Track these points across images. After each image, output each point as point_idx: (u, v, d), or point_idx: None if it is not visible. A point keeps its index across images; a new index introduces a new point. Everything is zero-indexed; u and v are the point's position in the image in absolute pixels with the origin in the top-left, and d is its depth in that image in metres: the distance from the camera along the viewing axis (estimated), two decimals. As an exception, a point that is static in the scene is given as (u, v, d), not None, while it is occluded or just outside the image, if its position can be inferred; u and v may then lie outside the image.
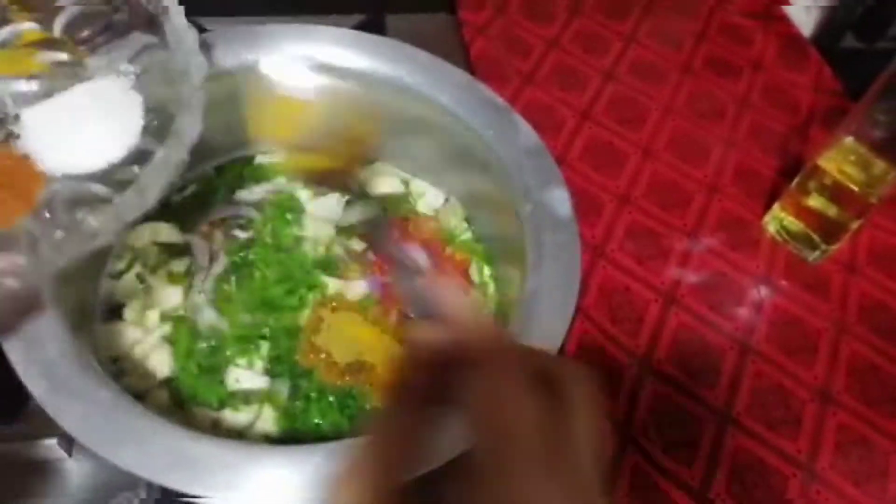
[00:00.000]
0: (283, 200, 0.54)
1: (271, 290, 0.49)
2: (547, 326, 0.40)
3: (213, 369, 0.45)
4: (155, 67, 0.39)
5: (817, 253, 0.60)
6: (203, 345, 0.46)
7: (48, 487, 0.44)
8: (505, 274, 0.52)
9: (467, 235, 0.55)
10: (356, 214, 0.54)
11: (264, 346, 0.47)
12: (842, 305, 0.59)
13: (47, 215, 0.35)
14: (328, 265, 0.51)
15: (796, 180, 0.60)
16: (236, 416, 0.44)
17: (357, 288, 0.50)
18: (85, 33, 0.39)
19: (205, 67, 0.37)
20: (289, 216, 0.53)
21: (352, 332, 0.48)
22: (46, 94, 0.38)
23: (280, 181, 0.55)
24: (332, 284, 0.50)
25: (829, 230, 0.59)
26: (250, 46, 0.50)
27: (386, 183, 0.57)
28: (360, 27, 0.66)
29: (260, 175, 0.56)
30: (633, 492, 0.48)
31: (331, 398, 0.45)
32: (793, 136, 0.70)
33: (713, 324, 0.57)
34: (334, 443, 0.35)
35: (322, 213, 0.54)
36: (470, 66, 0.70)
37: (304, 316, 0.48)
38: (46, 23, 0.39)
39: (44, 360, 0.36)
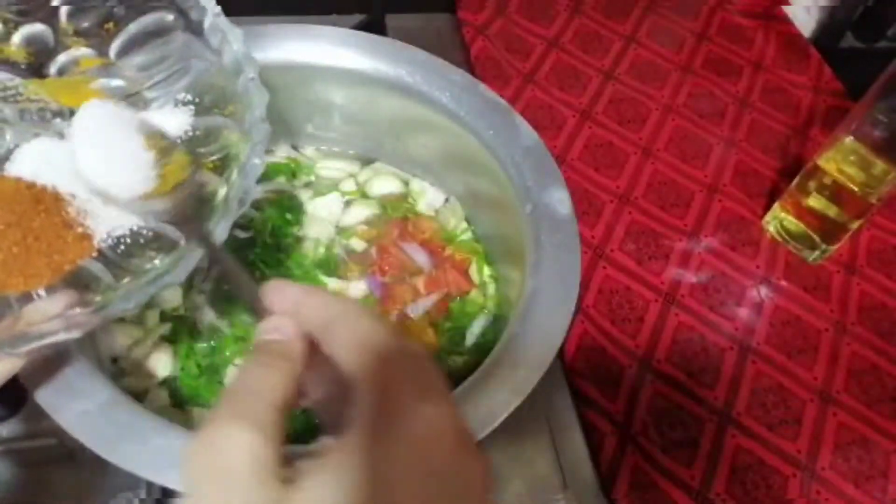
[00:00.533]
0: (283, 200, 0.54)
1: (271, 290, 0.49)
2: (547, 326, 0.40)
3: (213, 369, 0.45)
4: (212, 95, 0.38)
5: (817, 253, 0.60)
6: (203, 345, 0.46)
7: (48, 487, 0.44)
8: (505, 274, 0.52)
9: (467, 235, 0.55)
10: (356, 215, 0.54)
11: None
12: (842, 306, 0.59)
13: (112, 259, 0.33)
14: (328, 265, 0.51)
15: (796, 180, 0.60)
16: (236, 416, 0.44)
17: (357, 288, 0.50)
18: (140, 58, 0.38)
19: (266, 97, 0.36)
20: (289, 216, 0.53)
21: None
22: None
23: (280, 181, 0.55)
24: (332, 285, 0.50)
25: (829, 230, 0.59)
26: (250, 46, 0.50)
27: (386, 183, 0.57)
28: (360, 27, 0.67)
29: (260, 175, 0.56)
30: (633, 491, 0.48)
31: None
32: (793, 136, 0.70)
33: (713, 324, 0.57)
34: (334, 443, 0.35)
35: (322, 213, 0.54)
36: (470, 66, 0.70)
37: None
38: (102, 48, 0.38)
39: (43, 360, 0.36)
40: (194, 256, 0.32)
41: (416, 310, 0.49)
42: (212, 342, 0.46)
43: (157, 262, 0.33)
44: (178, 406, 0.44)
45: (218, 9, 0.37)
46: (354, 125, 0.55)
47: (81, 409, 0.35)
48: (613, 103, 0.70)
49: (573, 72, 0.72)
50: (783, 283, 0.60)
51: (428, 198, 0.56)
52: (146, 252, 0.34)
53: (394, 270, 0.51)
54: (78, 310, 0.31)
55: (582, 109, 0.69)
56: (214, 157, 0.37)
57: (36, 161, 0.35)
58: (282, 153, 0.57)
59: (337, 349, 0.25)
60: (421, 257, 0.52)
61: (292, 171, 0.56)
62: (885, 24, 0.79)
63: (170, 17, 0.38)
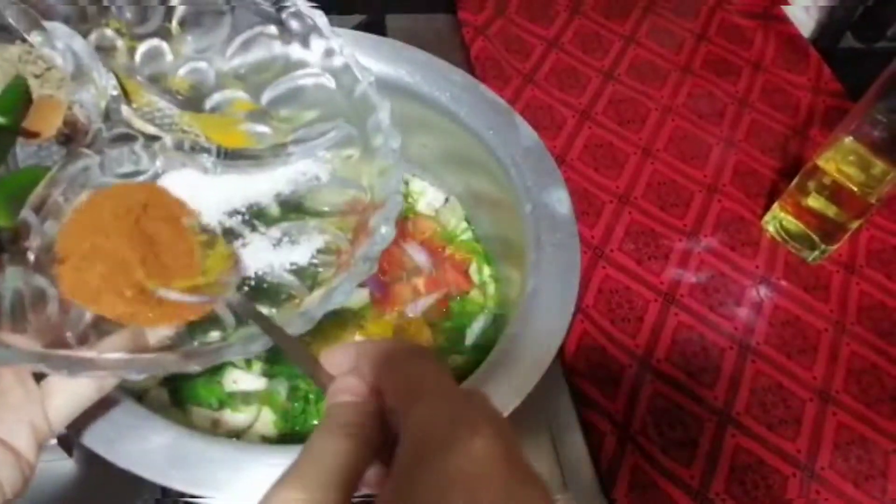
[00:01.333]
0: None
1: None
2: (547, 326, 0.40)
3: (213, 369, 0.45)
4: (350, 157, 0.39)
5: (817, 253, 0.60)
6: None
7: (48, 487, 0.44)
8: (505, 274, 0.52)
9: (467, 235, 0.55)
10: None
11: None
12: (841, 306, 0.59)
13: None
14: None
15: (796, 180, 0.60)
16: (235, 417, 0.44)
17: (357, 289, 0.50)
18: (288, 111, 0.40)
19: (401, 177, 0.36)
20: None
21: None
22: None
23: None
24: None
25: (828, 230, 0.59)
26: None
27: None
28: (360, 27, 0.67)
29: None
30: (633, 492, 0.48)
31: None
32: (792, 137, 0.70)
33: (713, 324, 0.57)
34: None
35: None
36: (470, 66, 0.70)
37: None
38: (255, 94, 0.40)
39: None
40: (319, 310, 0.32)
41: (416, 309, 0.49)
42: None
43: (331, 262, 0.35)
44: (178, 405, 0.44)
45: (368, 76, 0.39)
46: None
47: (82, 408, 0.34)
48: (613, 103, 0.70)
49: (573, 72, 0.72)
50: (783, 282, 0.60)
51: (428, 198, 0.56)
52: (267, 298, 0.35)
53: (394, 270, 0.51)
54: (191, 347, 0.32)
55: (582, 109, 0.69)
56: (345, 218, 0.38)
57: (180, 189, 0.36)
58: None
59: (386, 393, 0.24)
60: (421, 257, 0.52)
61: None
62: (884, 25, 0.79)
63: (323, 78, 0.39)
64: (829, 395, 0.54)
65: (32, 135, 0.35)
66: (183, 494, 0.34)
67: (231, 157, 0.38)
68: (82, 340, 0.31)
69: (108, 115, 0.36)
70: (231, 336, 0.33)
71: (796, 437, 0.52)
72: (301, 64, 0.39)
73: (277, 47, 0.39)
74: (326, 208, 0.39)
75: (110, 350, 0.30)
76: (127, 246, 0.32)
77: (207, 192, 0.37)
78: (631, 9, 0.78)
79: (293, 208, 0.39)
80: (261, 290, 0.35)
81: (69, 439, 0.44)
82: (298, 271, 0.36)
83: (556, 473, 0.50)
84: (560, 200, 0.46)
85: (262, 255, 0.36)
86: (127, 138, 0.37)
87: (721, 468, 0.50)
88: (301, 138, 0.39)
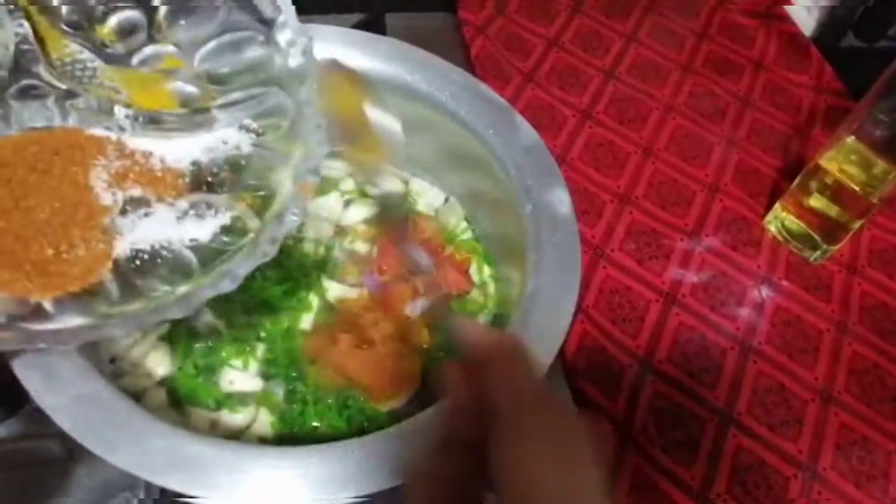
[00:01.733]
0: (282, 200, 0.54)
1: (270, 290, 0.48)
2: (547, 326, 0.40)
3: (210, 369, 0.45)
4: (277, 134, 0.36)
5: (818, 253, 0.60)
6: (200, 345, 0.46)
7: (48, 487, 0.44)
8: (505, 274, 0.52)
9: (467, 235, 0.55)
10: (356, 214, 0.54)
11: (260, 348, 0.46)
12: (843, 306, 0.59)
13: (124, 272, 0.32)
14: (328, 266, 0.51)
15: (797, 180, 0.60)
16: (233, 418, 0.44)
17: (357, 289, 0.50)
18: (220, 71, 0.37)
19: (322, 158, 0.35)
20: (288, 216, 0.53)
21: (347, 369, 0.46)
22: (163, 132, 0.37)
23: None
24: (332, 286, 0.50)
25: (830, 230, 0.59)
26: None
27: (386, 182, 0.56)
28: (360, 27, 0.66)
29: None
30: (633, 492, 0.48)
31: (329, 400, 0.45)
32: (794, 136, 0.70)
33: (714, 324, 0.57)
34: (332, 444, 0.35)
35: (322, 212, 0.54)
36: (470, 66, 0.70)
37: (303, 318, 0.48)
38: (188, 52, 0.37)
39: (43, 360, 0.36)
40: (205, 293, 0.31)
41: (415, 309, 0.49)
42: (209, 342, 0.46)
43: (167, 288, 0.32)
44: (176, 406, 0.44)
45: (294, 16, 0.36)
46: (354, 125, 0.55)
47: (81, 409, 0.34)
48: (614, 103, 0.70)
49: (573, 71, 0.71)
50: (784, 282, 0.60)
51: (428, 197, 0.56)
52: (159, 274, 0.33)
53: (394, 270, 0.51)
54: (71, 320, 0.30)
55: (582, 109, 0.69)
56: (258, 194, 0.36)
57: None
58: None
59: (488, 384, 0.27)
60: (421, 257, 0.52)
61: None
62: (885, 24, 0.79)
63: (259, 36, 0.37)
64: (831, 396, 0.54)
65: None
66: (181, 495, 0.34)
67: (150, 118, 0.36)
68: None
69: (18, 65, 0.34)
70: (113, 310, 0.31)
71: (798, 437, 0.52)
72: (242, 25, 0.37)
73: (219, 3, 0.36)
74: (249, 182, 0.36)
75: None
76: (11, 213, 0.30)
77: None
78: (632, 8, 0.78)
79: (205, 179, 0.36)
80: (153, 264, 0.33)
81: (69, 439, 0.44)
82: (198, 248, 0.34)
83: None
84: (560, 200, 0.45)
85: (164, 228, 0.34)
86: (38, 91, 0.34)
87: (722, 469, 0.50)
88: (227, 103, 0.37)
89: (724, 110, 0.71)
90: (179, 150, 0.36)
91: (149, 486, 0.43)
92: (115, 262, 0.32)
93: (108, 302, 0.32)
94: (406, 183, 0.57)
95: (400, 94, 0.50)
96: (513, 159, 0.47)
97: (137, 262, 0.33)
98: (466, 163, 0.52)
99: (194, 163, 0.36)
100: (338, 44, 0.50)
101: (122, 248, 0.33)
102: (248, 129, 0.37)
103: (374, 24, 0.69)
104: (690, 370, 0.54)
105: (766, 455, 0.51)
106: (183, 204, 0.35)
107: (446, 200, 0.57)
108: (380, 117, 0.39)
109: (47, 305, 0.31)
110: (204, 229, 0.35)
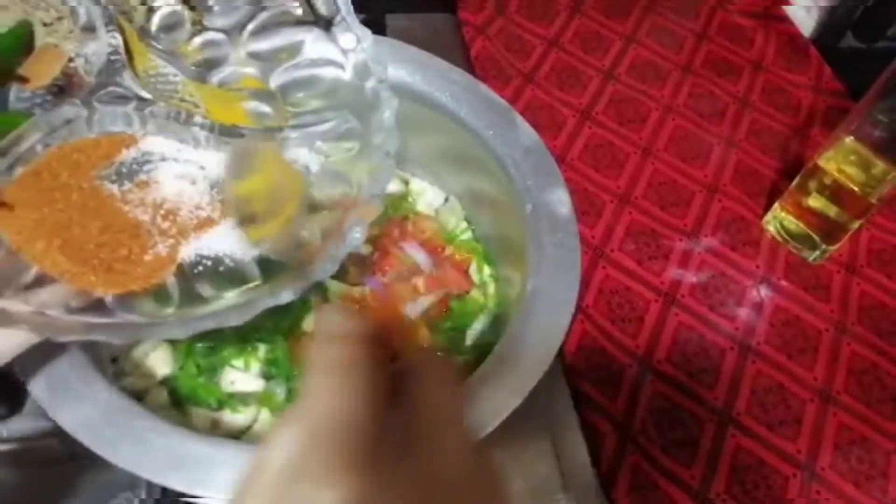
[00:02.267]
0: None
1: (271, 290, 0.49)
2: (547, 326, 0.40)
3: (211, 369, 0.45)
4: (346, 156, 0.38)
5: (817, 253, 0.60)
6: (201, 344, 0.46)
7: (49, 487, 0.44)
8: (505, 274, 0.52)
9: (467, 235, 0.55)
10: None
11: (262, 348, 0.47)
12: (842, 306, 0.59)
13: (187, 276, 0.33)
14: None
15: (796, 180, 0.60)
16: (235, 418, 0.44)
17: (359, 287, 0.50)
18: (296, 95, 0.39)
19: (389, 181, 0.36)
20: (289, 216, 0.53)
21: None
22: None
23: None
24: (332, 285, 0.50)
25: (829, 230, 0.59)
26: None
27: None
28: (360, 27, 0.66)
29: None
30: (633, 492, 0.48)
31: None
32: (793, 136, 0.70)
33: (713, 324, 0.57)
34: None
35: (322, 212, 0.54)
36: (470, 66, 0.70)
37: (304, 318, 0.48)
38: (266, 74, 0.39)
39: (45, 360, 0.36)
40: (264, 302, 0.31)
41: (416, 309, 0.49)
42: (210, 342, 0.46)
43: (229, 295, 0.33)
44: (177, 405, 0.44)
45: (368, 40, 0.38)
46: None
47: (81, 409, 0.35)
48: (613, 103, 0.70)
49: (573, 72, 0.72)
50: (783, 282, 0.60)
51: (428, 197, 0.56)
52: (220, 281, 0.34)
53: (394, 270, 0.51)
54: (129, 317, 0.31)
55: (582, 109, 0.69)
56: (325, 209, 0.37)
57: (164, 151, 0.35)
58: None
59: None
60: (421, 257, 0.52)
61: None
62: (885, 24, 0.79)
63: (337, 60, 0.38)
64: (830, 396, 0.54)
65: (24, 80, 0.35)
66: (183, 495, 0.34)
67: (225, 133, 0.37)
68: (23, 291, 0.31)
69: (106, 73, 0.36)
70: (172, 312, 0.32)
71: (797, 437, 0.52)
72: (318, 50, 0.39)
73: (299, 30, 0.39)
74: (308, 201, 0.38)
75: (39, 304, 0.30)
76: (79, 210, 0.31)
77: (193, 164, 0.36)
78: (631, 8, 0.78)
79: None
80: (216, 271, 0.34)
81: (69, 439, 0.44)
82: (262, 262, 0.35)
83: (556, 473, 0.50)
84: (560, 200, 0.45)
85: (229, 238, 0.35)
86: (120, 98, 0.36)
87: (721, 468, 0.50)
88: (301, 124, 0.38)
89: (724, 111, 0.71)
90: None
91: (150, 486, 0.43)
92: (180, 266, 0.33)
93: (168, 303, 0.32)
94: (406, 183, 0.57)
95: (400, 94, 0.50)
96: (513, 159, 0.47)
97: (200, 268, 0.34)
98: (466, 163, 0.52)
99: None
100: (338, 44, 0.51)
101: (187, 252, 0.33)
102: (318, 151, 0.38)
103: (373, 25, 0.69)
104: (690, 370, 0.54)
105: (765, 455, 0.51)
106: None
107: (446, 200, 0.57)
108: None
109: (108, 301, 0.31)
110: None
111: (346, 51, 0.38)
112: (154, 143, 0.36)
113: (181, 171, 0.35)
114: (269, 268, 0.34)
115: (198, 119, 0.36)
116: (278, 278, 0.34)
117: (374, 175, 0.36)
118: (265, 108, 0.38)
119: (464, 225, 0.55)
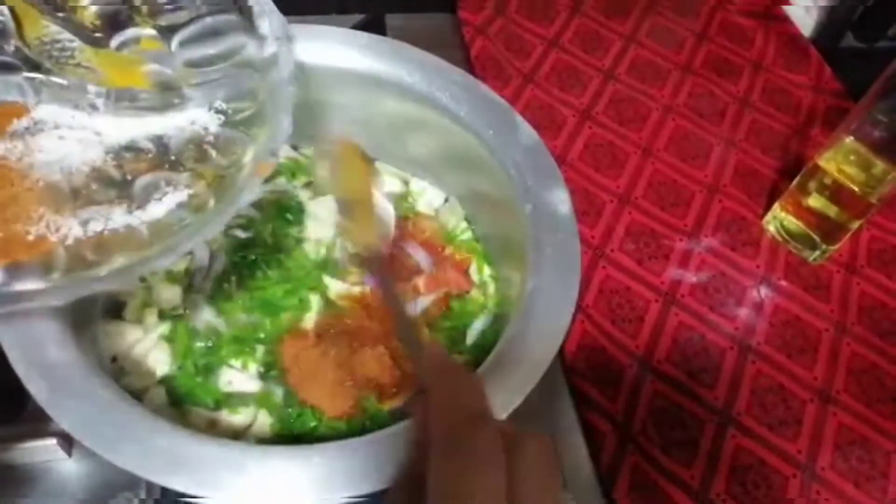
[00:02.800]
0: (283, 200, 0.54)
1: (271, 290, 0.49)
2: (547, 326, 0.40)
3: (210, 369, 0.45)
4: (246, 115, 0.38)
5: (817, 253, 0.60)
6: (200, 344, 0.46)
7: (48, 487, 0.44)
8: (505, 274, 0.52)
9: (467, 235, 0.55)
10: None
11: (260, 349, 0.46)
12: (842, 306, 0.59)
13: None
14: (329, 266, 0.51)
15: (796, 180, 0.60)
16: (233, 418, 0.44)
17: (359, 287, 0.50)
18: (196, 54, 0.38)
19: (283, 141, 0.36)
20: (289, 216, 0.53)
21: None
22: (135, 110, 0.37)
23: (280, 181, 0.55)
24: (333, 286, 0.50)
25: (829, 230, 0.59)
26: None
27: (386, 183, 0.56)
28: (360, 27, 0.66)
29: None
30: (633, 492, 0.48)
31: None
32: (793, 136, 0.70)
33: (713, 324, 0.57)
34: (333, 443, 0.35)
35: (322, 213, 0.54)
36: (470, 66, 0.70)
37: (304, 319, 0.48)
38: (166, 35, 0.38)
39: (44, 359, 0.36)
40: (148, 265, 0.32)
41: (416, 309, 0.49)
42: (209, 342, 0.46)
43: (120, 259, 0.33)
44: (176, 405, 0.44)
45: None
46: (354, 125, 0.55)
47: (81, 409, 0.34)
48: (613, 103, 0.70)
49: (573, 72, 0.72)
50: (783, 282, 0.60)
51: (428, 197, 0.56)
52: (110, 247, 0.34)
53: (393, 270, 0.51)
54: (31, 286, 0.31)
55: (582, 109, 0.69)
56: (218, 174, 0.37)
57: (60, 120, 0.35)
58: (282, 153, 0.57)
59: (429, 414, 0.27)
60: (421, 257, 0.52)
61: (292, 171, 0.56)
62: (885, 24, 0.79)
63: (237, 21, 0.38)
64: (830, 396, 0.54)
65: None
66: (183, 495, 0.34)
67: (121, 96, 0.37)
68: None
69: None
70: (63, 278, 0.32)
71: (797, 437, 0.52)
72: (221, 10, 0.38)
73: None
74: (203, 162, 0.37)
75: None
76: None
77: (88, 130, 0.36)
78: (631, 8, 0.78)
79: (169, 157, 0.37)
80: (104, 237, 0.34)
81: (69, 439, 0.44)
82: (152, 223, 0.35)
83: (557, 474, 0.49)
84: (560, 200, 0.45)
85: (118, 208, 0.35)
86: (9, 68, 0.35)
87: (721, 468, 0.50)
88: (201, 83, 0.38)
89: (724, 111, 0.71)
90: (146, 126, 0.37)
91: (150, 486, 0.43)
92: (66, 235, 0.33)
93: (58, 271, 0.32)
94: (406, 183, 0.57)
95: (400, 94, 0.50)
96: (513, 159, 0.47)
97: (90, 235, 0.33)
98: (466, 163, 0.52)
99: (160, 141, 0.37)
100: (337, 44, 0.51)
101: (74, 220, 0.33)
102: (217, 111, 0.37)
103: (373, 25, 0.69)
104: (690, 370, 0.54)
105: (765, 455, 0.51)
106: (143, 180, 0.36)
107: (446, 200, 0.57)
108: (377, 198, 0.41)
109: None
110: (161, 205, 0.35)
111: (244, 9, 0.38)
112: (48, 112, 0.35)
113: (76, 137, 0.35)
114: (158, 230, 0.34)
115: (92, 86, 0.35)
116: (164, 240, 0.34)
117: (271, 133, 0.35)
118: (166, 70, 0.38)
119: (464, 225, 0.55)
